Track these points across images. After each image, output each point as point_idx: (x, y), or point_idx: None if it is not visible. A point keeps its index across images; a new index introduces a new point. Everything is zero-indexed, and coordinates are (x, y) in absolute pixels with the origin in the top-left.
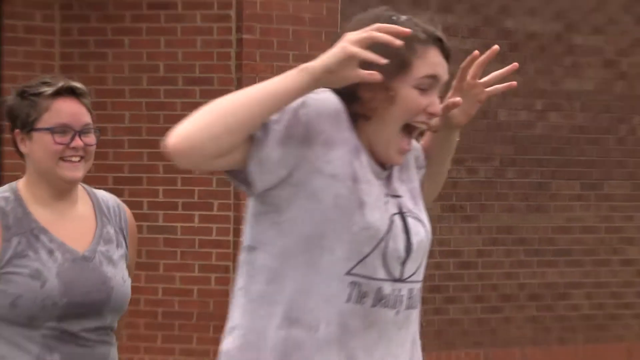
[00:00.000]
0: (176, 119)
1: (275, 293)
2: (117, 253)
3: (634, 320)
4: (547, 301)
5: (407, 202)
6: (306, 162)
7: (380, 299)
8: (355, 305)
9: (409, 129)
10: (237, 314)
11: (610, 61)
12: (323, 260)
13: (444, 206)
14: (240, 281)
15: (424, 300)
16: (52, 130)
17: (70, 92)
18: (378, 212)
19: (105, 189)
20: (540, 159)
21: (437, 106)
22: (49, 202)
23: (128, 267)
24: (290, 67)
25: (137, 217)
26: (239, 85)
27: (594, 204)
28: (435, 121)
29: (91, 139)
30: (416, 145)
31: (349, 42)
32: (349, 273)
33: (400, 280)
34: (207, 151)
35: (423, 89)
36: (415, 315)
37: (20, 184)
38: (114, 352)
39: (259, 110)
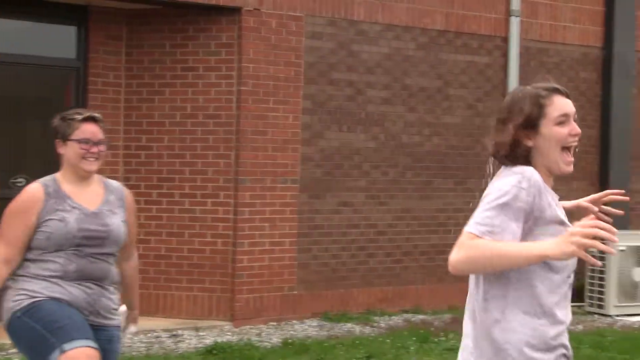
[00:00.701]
0: (198, 140)
1: None
2: (117, 212)
3: None
4: (432, 255)
5: None
6: None
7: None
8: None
9: (566, 149)
10: None
11: (471, 105)
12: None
13: (367, 195)
14: None
15: (357, 255)
16: (79, 141)
17: (92, 119)
18: None
19: (150, 182)
20: (428, 165)
21: (576, 128)
22: (74, 182)
23: (129, 227)
24: (271, 109)
25: (171, 202)
26: (238, 120)
27: (460, 193)
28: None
29: (102, 147)
30: None
31: (576, 245)
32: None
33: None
34: (469, 273)
35: (561, 123)
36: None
37: (58, 173)
38: (113, 270)
39: (507, 265)
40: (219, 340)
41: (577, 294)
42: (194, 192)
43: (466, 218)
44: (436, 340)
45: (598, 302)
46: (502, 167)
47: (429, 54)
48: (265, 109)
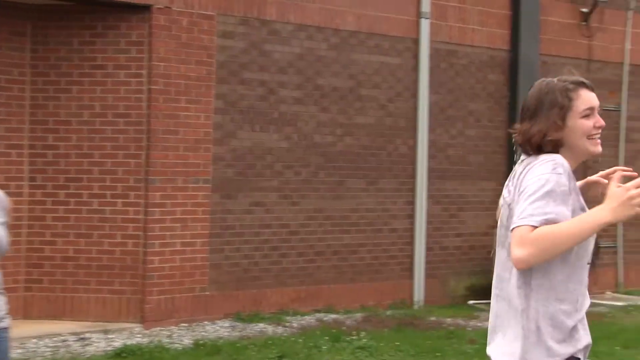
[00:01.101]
0: (107, 139)
1: None
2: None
3: (398, 266)
4: (344, 255)
5: None
6: None
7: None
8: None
9: (591, 138)
10: None
11: (383, 105)
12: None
13: (280, 195)
14: None
15: (270, 255)
16: None
17: None
18: None
19: (57, 183)
20: (340, 165)
21: (600, 121)
22: None
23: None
24: (182, 108)
25: (79, 203)
26: (148, 119)
27: (373, 193)
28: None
29: None
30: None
31: (634, 206)
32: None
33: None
34: (542, 263)
35: (587, 116)
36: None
37: None
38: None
39: (574, 243)
40: (129, 342)
41: (485, 291)
42: (103, 193)
43: (378, 218)
44: (348, 339)
45: None
46: (527, 158)
47: (341, 55)
48: (176, 109)
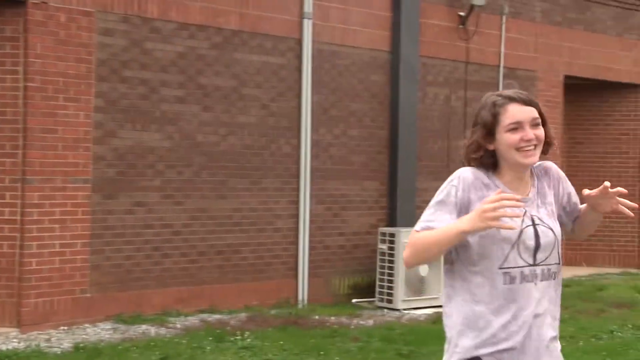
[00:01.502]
0: None
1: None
2: None
3: (282, 265)
4: (228, 255)
5: (543, 217)
6: None
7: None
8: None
9: (520, 150)
10: None
11: (266, 105)
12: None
13: (162, 195)
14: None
15: (152, 255)
16: None
17: None
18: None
19: None
20: (223, 165)
21: (529, 134)
22: None
23: None
24: (61, 106)
25: None
26: (25, 117)
27: (256, 193)
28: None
29: None
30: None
31: (485, 219)
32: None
33: (534, 264)
34: (418, 264)
35: (513, 129)
36: (551, 284)
37: None
38: None
39: (438, 247)
40: (4, 347)
41: (368, 290)
42: None
43: (261, 217)
44: (232, 339)
45: (387, 297)
46: None
47: (224, 54)
48: (55, 107)
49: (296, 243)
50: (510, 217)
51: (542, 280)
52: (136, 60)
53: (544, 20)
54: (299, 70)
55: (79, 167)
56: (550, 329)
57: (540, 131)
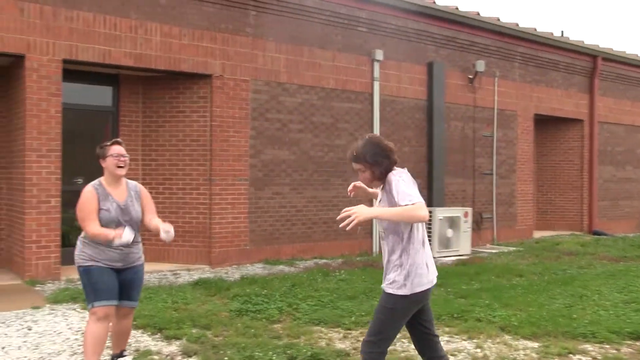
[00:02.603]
0: (186, 155)
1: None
2: (135, 203)
3: (362, 230)
4: (330, 224)
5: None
6: None
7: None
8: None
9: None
10: None
11: (351, 133)
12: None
13: (290, 188)
14: None
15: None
16: (113, 156)
17: (116, 142)
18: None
19: (159, 183)
20: (326, 170)
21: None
22: (111, 184)
23: (149, 206)
24: (231, 136)
25: (167, 190)
26: (211, 143)
27: (346, 186)
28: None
29: (126, 159)
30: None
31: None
32: None
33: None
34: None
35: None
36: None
37: (102, 178)
38: (138, 235)
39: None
40: (203, 276)
41: None
42: (184, 188)
43: (350, 201)
44: (333, 274)
45: None
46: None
47: (326, 103)
48: (227, 136)
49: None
50: None
51: (381, 239)
52: (274, 107)
53: (521, 80)
54: (371, 112)
55: (241, 171)
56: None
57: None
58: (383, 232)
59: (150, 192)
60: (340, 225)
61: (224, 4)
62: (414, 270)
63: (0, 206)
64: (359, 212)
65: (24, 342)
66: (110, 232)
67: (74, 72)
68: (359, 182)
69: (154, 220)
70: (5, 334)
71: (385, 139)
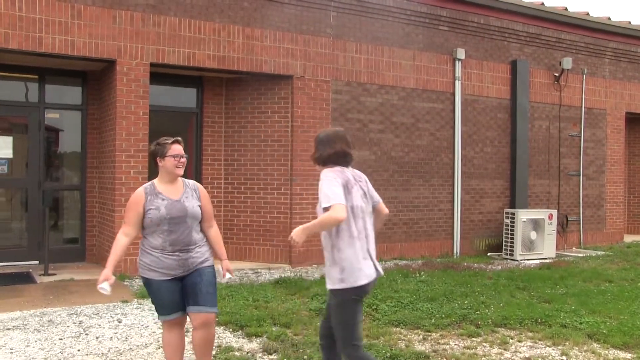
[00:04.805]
0: (268, 155)
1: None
2: (192, 199)
3: (443, 232)
4: (410, 225)
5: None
6: None
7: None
8: None
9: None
10: None
11: (432, 133)
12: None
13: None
14: None
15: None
16: (173, 156)
17: (177, 141)
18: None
19: (241, 183)
20: (407, 170)
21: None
22: (166, 183)
23: (205, 207)
24: (312, 136)
25: (253, 193)
26: (292, 143)
27: (427, 187)
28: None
29: (185, 160)
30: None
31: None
32: None
33: None
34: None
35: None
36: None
37: (156, 180)
38: (197, 237)
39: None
40: (284, 275)
41: (497, 247)
42: (265, 187)
43: (431, 202)
44: (413, 275)
45: (510, 252)
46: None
47: (406, 103)
48: (308, 136)
49: (452, 218)
50: None
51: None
52: (354, 108)
53: (611, 77)
54: (453, 111)
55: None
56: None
57: None
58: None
59: (233, 192)
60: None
61: (304, 5)
62: (349, 265)
63: (93, 204)
64: (295, 237)
65: (115, 333)
66: (106, 271)
67: (160, 74)
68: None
69: (214, 237)
70: (99, 325)
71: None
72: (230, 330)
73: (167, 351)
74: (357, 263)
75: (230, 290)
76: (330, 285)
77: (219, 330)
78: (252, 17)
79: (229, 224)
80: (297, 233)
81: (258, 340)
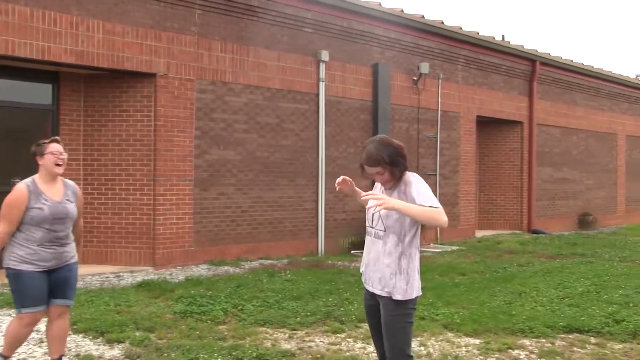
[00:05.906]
0: (130, 155)
1: None
2: (71, 202)
3: (308, 231)
4: (275, 224)
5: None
6: None
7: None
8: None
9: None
10: None
11: (297, 134)
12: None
13: (235, 188)
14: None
15: None
16: (52, 153)
17: (55, 140)
18: None
19: (102, 183)
20: (272, 170)
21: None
22: (48, 182)
23: (78, 209)
24: (175, 136)
25: (109, 190)
26: (155, 142)
27: (292, 187)
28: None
29: (65, 157)
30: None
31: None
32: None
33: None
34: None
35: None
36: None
37: (36, 176)
38: (72, 243)
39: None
40: (146, 278)
41: (360, 245)
42: (127, 188)
43: (295, 202)
44: (279, 275)
45: None
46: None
47: (271, 103)
48: (171, 136)
49: (317, 217)
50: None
51: (374, 238)
52: (219, 107)
53: (464, 82)
54: (317, 112)
55: (185, 172)
56: (379, 265)
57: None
58: (381, 231)
59: (92, 193)
60: (367, 206)
61: (168, 3)
62: (413, 274)
63: None
64: (387, 200)
65: None
66: (3, 241)
67: (9, 68)
68: (347, 177)
69: (77, 236)
70: None
71: (394, 138)
72: (90, 337)
73: (9, 342)
74: (418, 274)
75: (90, 295)
76: (398, 296)
77: (77, 338)
78: (112, 12)
79: (88, 227)
80: (390, 201)
81: (120, 347)
